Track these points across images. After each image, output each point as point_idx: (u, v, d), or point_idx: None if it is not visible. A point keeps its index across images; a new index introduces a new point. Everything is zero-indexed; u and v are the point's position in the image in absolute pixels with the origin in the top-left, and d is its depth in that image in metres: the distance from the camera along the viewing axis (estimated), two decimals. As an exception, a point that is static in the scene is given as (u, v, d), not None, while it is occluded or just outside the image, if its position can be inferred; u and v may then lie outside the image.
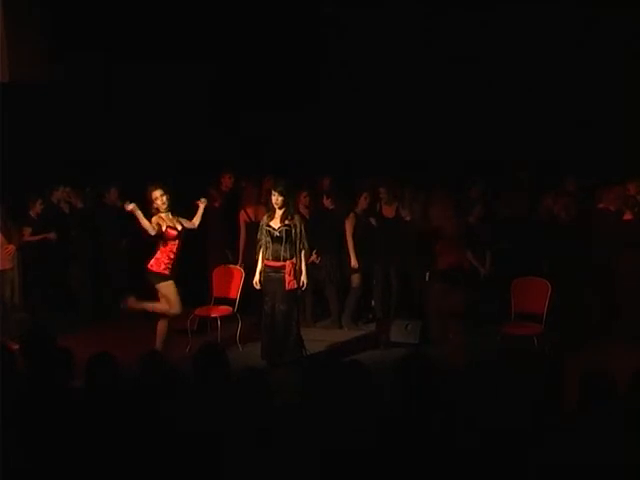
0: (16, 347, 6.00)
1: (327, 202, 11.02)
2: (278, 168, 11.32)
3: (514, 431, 4.36)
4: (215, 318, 10.12)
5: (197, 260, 11.28)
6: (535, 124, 11.84)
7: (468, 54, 12.00)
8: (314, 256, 10.37)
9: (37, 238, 11.00)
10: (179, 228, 9.22)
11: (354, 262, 10.71)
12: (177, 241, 9.16)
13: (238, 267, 10.33)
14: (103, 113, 12.54)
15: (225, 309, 10.21)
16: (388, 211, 10.93)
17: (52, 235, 11.12)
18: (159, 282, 9.10)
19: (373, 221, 10.86)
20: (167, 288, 9.13)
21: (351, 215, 10.79)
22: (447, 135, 12.13)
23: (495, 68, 11.98)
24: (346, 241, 10.76)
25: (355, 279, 10.87)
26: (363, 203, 10.85)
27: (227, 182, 11.69)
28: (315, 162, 12.09)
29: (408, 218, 10.73)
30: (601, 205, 10.37)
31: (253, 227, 10.88)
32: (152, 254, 9.21)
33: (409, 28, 12.28)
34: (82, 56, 12.26)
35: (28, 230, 10.97)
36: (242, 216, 11.13)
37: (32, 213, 11.08)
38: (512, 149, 11.79)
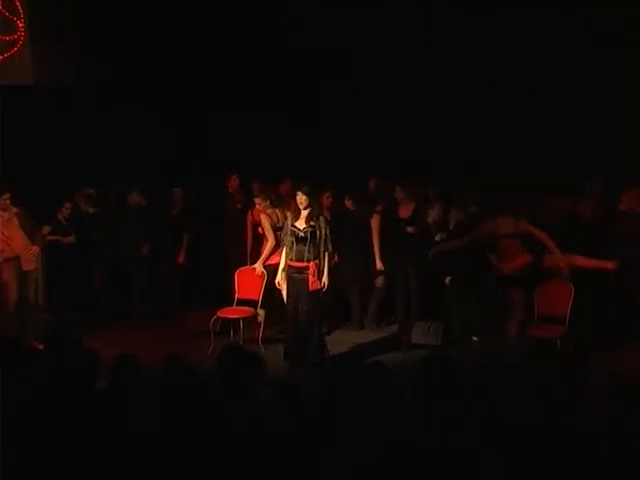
0: (40, 347, 6.06)
1: (349, 203, 11.02)
2: (293, 170, 11.37)
3: (537, 432, 4.35)
4: (237, 319, 10.15)
5: (219, 262, 11.33)
6: (546, 124, 11.79)
7: (474, 54, 11.99)
8: (336, 257, 10.38)
9: (54, 239, 11.07)
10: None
11: (379, 264, 10.70)
12: None
13: (261, 269, 10.34)
14: (124, 115, 12.60)
15: (247, 310, 10.24)
16: (404, 211, 10.91)
17: (69, 239, 11.17)
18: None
19: (410, 229, 10.80)
20: None
21: (375, 215, 10.78)
22: (460, 135, 12.11)
23: (504, 67, 11.95)
24: (369, 242, 10.77)
25: (378, 280, 10.87)
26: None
27: (233, 183, 11.73)
28: (334, 163, 12.12)
29: (430, 219, 10.68)
30: (623, 206, 10.30)
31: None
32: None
33: (410, 28, 12.27)
34: (104, 59, 12.34)
35: (47, 229, 11.05)
36: (249, 217, 11.14)
37: (60, 216, 11.18)
38: (523, 150, 11.75)
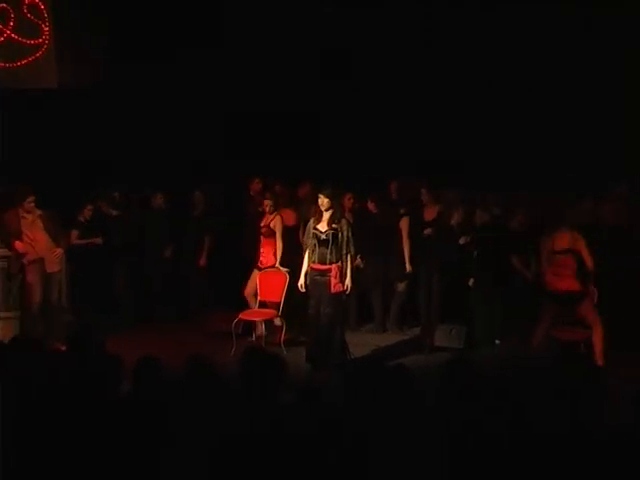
0: (63, 348, 6.09)
1: (371, 206, 11.02)
2: (313, 172, 11.38)
3: (561, 436, 4.33)
4: (259, 322, 10.15)
5: (241, 264, 11.35)
6: (570, 124, 11.74)
7: (489, 53, 11.97)
8: (359, 260, 10.37)
9: (84, 242, 11.15)
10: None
11: (409, 267, 10.67)
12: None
13: (283, 271, 10.34)
14: (147, 118, 12.65)
15: (269, 313, 10.24)
16: (429, 213, 10.88)
17: (98, 240, 11.26)
18: None
19: (428, 231, 10.77)
20: None
21: (404, 218, 10.76)
22: (481, 136, 12.07)
23: (525, 64, 11.90)
24: (391, 244, 10.75)
25: (400, 283, 10.85)
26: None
27: (256, 186, 11.74)
28: (355, 165, 12.11)
29: (453, 222, 10.65)
30: None
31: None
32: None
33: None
34: (128, 61, 12.40)
35: (76, 233, 11.13)
36: None
37: (81, 218, 11.24)
38: (546, 151, 11.70)
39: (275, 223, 10.48)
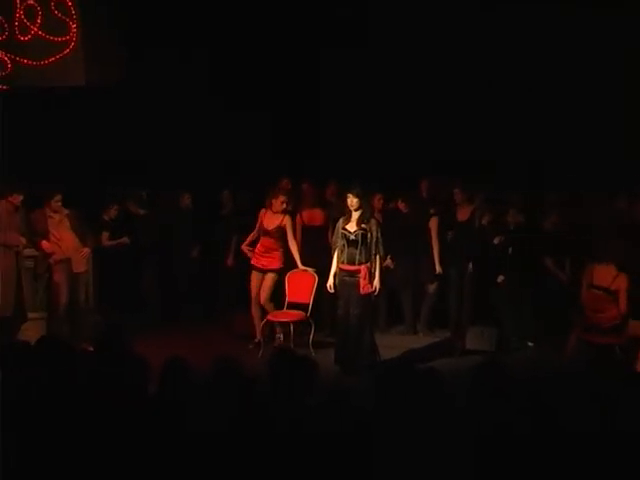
0: (90, 349, 6.12)
1: (401, 205, 11.00)
2: (340, 170, 11.37)
3: (596, 440, 4.31)
4: (288, 323, 10.17)
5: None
6: (599, 125, 11.67)
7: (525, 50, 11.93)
8: (388, 261, 10.36)
9: (113, 243, 11.20)
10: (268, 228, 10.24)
11: (438, 268, 10.65)
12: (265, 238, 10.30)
13: (312, 272, 10.32)
14: (176, 116, 12.70)
15: (298, 314, 10.25)
16: (462, 214, 10.85)
17: (125, 240, 11.31)
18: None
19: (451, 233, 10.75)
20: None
21: (433, 218, 10.73)
22: (513, 136, 12.03)
23: (569, 63, 11.85)
24: (421, 245, 10.73)
25: (431, 284, 10.83)
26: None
27: (285, 186, 11.71)
28: (384, 164, 12.10)
29: (484, 221, 10.61)
30: None
31: (308, 231, 10.92)
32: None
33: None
34: (156, 59, 12.45)
35: (106, 234, 11.19)
36: (298, 220, 11.09)
37: (106, 217, 11.29)
38: (576, 150, 11.63)
39: (286, 223, 10.26)
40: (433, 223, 10.74)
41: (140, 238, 11.58)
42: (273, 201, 10.25)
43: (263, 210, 10.38)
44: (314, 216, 11.03)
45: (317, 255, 10.36)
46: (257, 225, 10.43)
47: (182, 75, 12.67)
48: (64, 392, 4.96)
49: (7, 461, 4.59)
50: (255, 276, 10.41)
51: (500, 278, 10.21)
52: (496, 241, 10.40)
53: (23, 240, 9.72)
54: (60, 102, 11.89)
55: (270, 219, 10.29)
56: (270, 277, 10.31)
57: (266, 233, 10.31)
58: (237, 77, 12.82)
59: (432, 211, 10.87)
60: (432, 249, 10.70)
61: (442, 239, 10.73)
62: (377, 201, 10.92)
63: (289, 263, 10.40)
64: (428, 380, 4.62)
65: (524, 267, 10.21)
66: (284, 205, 10.28)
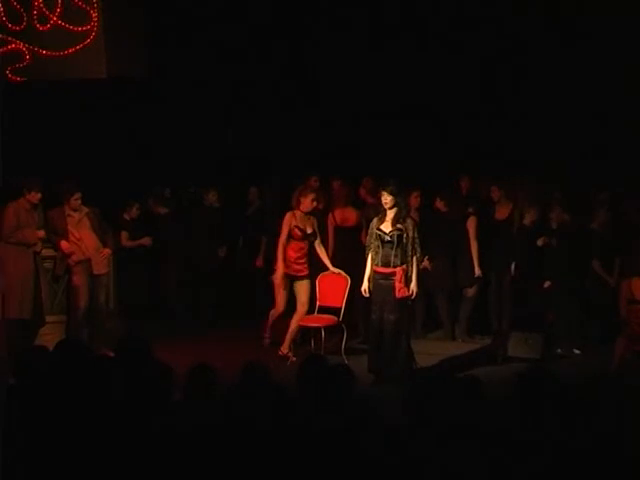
0: (111, 354, 6.15)
1: (440, 204, 10.97)
2: (376, 168, 11.36)
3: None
4: (319, 328, 10.17)
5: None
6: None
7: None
8: (426, 262, 10.33)
9: (134, 244, 11.24)
10: (308, 231, 9.86)
11: (478, 270, 10.61)
12: (301, 242, 9.97)
13: (344, 275, 10.30)
14: (200, 111, 12.75)
15: (330, 319, 10.24)
16: (501, 212, 10.80)
17: (147, 240, 11.35)
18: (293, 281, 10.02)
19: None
20: (299, 287, 10.06)
21: (471, 217, 10.70)
22: (555, 132, 11.99)
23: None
24: (461, 246, 10.70)
25: (470, 288, 10.79)
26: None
27: (314, 184, 11.69)
28: (422, 160, 12.08)
29: (526, 221, 10.54)
30: None
31: (340, 231, 10.90)
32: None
33: None
34: (180, 51, 12.50)
35: (126, 234, 11.23)
36: (329, 219, 11.07)
37: (127, 216, 11.34)
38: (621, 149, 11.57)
39: (314, 223, 10.11)
40: (471, 223, 10.71)
41: (163, 238, 11.62)
42: (302, 200, 10.05)
43: (290, 213, 10.09)
44: (347, 216, 11.01)
45: (350, 257, 10.34)
46: (284, 229, 10.04)
47: (207, 68, 12.69)
48: (83, 400, 4.98)
49: (25, 471, 4.64)
50: (285, 284, 10.22)
51: (547, 284, 10.16)
52: (540, 242, 10.35)
53: (41, 233, 9.73)
54: (80, 96, 11.97)
55: (302, 221, 10.06)
56: (305, 285, 10.21)
57: (300, 237, 10.08)
58: (264, 71, 12.83)
59: (470, 210, 10.82)
60: (471, 250, 10.66)
61: (483, 240, 10.69)
62: (414, 199, 10.88)
63: (319, 265, 10.36)
64: (468, 390, 4.60)
65: (570, 270, 10.15)
66: (314, 203, 10.11)
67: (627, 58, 11.69)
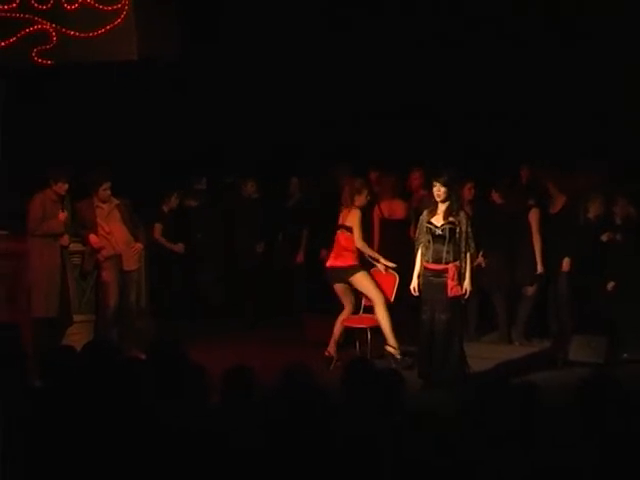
0: (142, 356, 6.20)
1: (496, 196, 10.94)
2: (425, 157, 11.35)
3: None
4: (364, 329, 10.17)
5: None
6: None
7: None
8: (480, 258, 10.30)
9: (166, 244, 11.26)
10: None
11: (540, 268, 10.55)
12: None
13: (392, 272, 10.30)
14: (237, 96, 12.79)
15: (376, 319, 10.23)
16: (555, 205, 10.74)
17: (179, 247, 11.34)
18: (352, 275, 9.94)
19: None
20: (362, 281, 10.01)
21: (533, 210, 10.64)
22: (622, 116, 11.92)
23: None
24: (518, 241, 10.66)
25: (529, 287, 10.73)
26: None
27: (373, 179, 11.69)
28: (477, 149, 12.05)
29: (590, 215, 10.46)
30: None
31: (387, 225, 10.90)
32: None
33: None
34: (213, 32, 12.55)
35: (160, 227, 11.25)
36: (375, 212, 11.07)
37: (165, 208, 11.35)
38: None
39: (352, 218, 10.07)
40: (534, 216, 10.63)
41: (197, 232, 11.67)
42: (357, 197, 10.13)
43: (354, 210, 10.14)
44: (394, 208, 11.02)
45: (398, 252, 10.33)
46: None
47: (244, 53, 12.72)
48: (112, 403, 5.02)
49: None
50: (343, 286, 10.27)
51: (610, 285, 10.10)
52: (604, 238, 10.28)
53: (63, 215, 9.77)
54: (109, 80, 12.06)
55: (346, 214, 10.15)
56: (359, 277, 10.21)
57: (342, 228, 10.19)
58: (307, 56, 12.85)
59: (532, 202, 10.77)
60: (532, 246, 10.60)
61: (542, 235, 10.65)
62: (467, 191, 10.85)
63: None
64: (525, 396, 4.59)
65: (636, 268, 10.08)
66: (368, 199, 10.29)
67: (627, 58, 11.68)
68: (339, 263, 10.13)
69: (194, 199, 11.94)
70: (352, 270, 10.07)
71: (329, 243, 10.65)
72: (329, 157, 12.25)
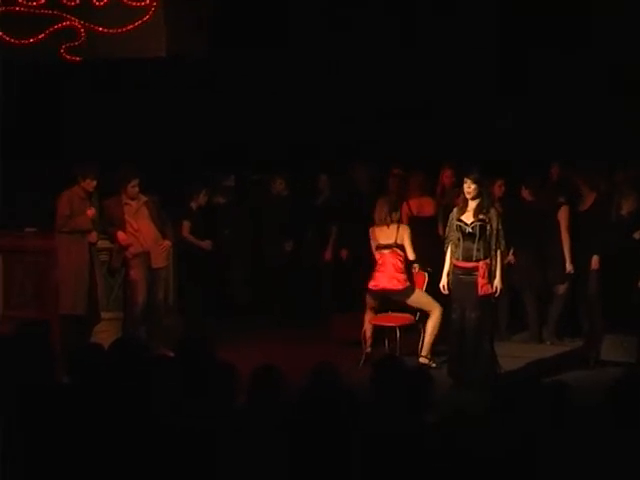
0: (170, 354, 6.22)
1: (526, 193, 10.90)
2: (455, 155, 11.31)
3: None
4: (393, 328, 10.15)
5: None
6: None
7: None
8: (511, 257, 10.26)
9: (194, 242, 11.27)
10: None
11: (569, 266, 10.50)
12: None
13: (421, 269, 10.27)
14: (267, 91, 12.80)
15: (405, 317, 10.22)
16: (585, 203, 10.68)
17: (207, 244, 11.34)
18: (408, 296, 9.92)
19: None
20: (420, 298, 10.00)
21: (563, 207, 10.60)
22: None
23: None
24: (549, 239, 10.61)
25: (560, 285, 10.69)
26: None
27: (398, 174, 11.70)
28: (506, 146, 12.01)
29: (624, 211, 10.40)
30: None
31: (416, 222, 10.87)
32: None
33: None
34: (241, 31, 12.56)
35: (188, 225, 11.26)
36: (404, 209, 11.05)
37: (194, 204, 11.35)
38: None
39: (403, 234, 10.04)
40: (563, 213, 10.59)
41: (225, 230, 11.68)
42: (394, 214, 10.10)
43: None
44: (423, 205, 11.01)
45: (426, 249, 10.29)
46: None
47: (271, 49, 12.72)
48: (140, 401, 5.03)
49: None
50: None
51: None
52: (637, 236, 10.22)
53: (91, 212, 9.80)
54: (136, 76, 12.10)
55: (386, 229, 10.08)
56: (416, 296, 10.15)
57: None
58: (335, 52, 12.83)
59: (562, 199, 10.72)
60: (562, 244, 10.55)
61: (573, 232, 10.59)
62: (497, 188, 10.83)
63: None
64: (557, 396, 4.56)
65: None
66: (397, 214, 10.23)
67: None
68: (393, 286, 10.01)
69: (222, 196, 11.94)
70: (408, 292, 10.01)
71: (356, 242, 10.68)
72: (355, 154, 12.23)
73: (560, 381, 4.85)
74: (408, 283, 10.02)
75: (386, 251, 9.99)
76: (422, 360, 9.84)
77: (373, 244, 10.09)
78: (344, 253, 11.59)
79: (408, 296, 9.99)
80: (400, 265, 10.00)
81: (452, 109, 12.59)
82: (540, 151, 11.87)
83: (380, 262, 10.03)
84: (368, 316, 10.17)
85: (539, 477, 4.31)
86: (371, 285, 10.07)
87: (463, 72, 12.55)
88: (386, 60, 12.77)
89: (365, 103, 12.87)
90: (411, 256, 10.00)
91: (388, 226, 10.00)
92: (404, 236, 9.98)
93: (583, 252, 10.45)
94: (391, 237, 9.99)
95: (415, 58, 12.70)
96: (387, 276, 10.02)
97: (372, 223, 10.18)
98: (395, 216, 10.07)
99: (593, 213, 10.47)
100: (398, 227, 10.03)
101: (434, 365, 9.68)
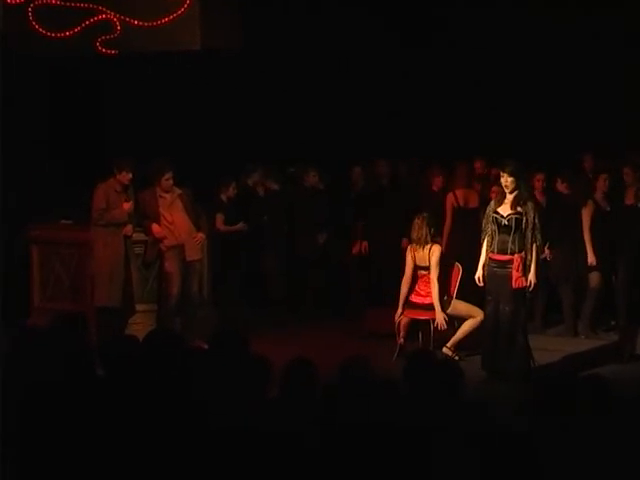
0: (205, 347, 6.23)
1: (561, 186, 10.84)
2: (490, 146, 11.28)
3: None
4: (428, 320, 10.13)
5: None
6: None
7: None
8: (547, 251, 10.21)
9: (230, 229, 11.29)
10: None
11: (591, 258, 10.46)
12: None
13: (457, 264, 10.24)
14: (298, 84, 12.79)
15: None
16: (630, 196, 10.60)
17: (242, 226, 11.37)
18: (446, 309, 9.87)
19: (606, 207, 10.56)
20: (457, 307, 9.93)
21: (589, 203, 10.53)
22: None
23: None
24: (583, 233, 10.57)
25: (594, 278, 10.63)
26: (602, 186, 10.59)
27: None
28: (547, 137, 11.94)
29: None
30: None
31: (461, 213, 10.87)
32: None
33: None
34: (276, 19, 12.56)
35: (221, 217, 11.29)
36: (449, 199, 11.06)
37: (224, 197, 11.38)
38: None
39: (432, 255, 9.91)
40: (588, 209, 10.51)
41: (260, 222, 11.68)
42: (430, 236, 9.96)
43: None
44: (469, 197, 11.03)
45: (471, 241, 10.25)
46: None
47: (305, 43, 12.71)
48: (174, 394, 5.05)
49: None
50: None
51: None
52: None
53: (127, 205, 9.86)
54: (171, 69, 12.13)
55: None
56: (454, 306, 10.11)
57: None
58: (370, 47, 12.83)
59: (590, 196, 10.66)
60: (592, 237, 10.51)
61: (610, 225, 10.51)
62: (537, 182, 10.81)
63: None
64: (592, 389, 4.55)
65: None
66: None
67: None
68: (430, 301, 10.02)
69: (275, 182, 11.96)
70: (445, 305, 9.98)
71: (382, 234, 10.94)
72: (390, 147, 12.24)
73: (596, 375, 4.84)
74: (445, 297, 10.01)
75: (423, 272, 10.00)
76: (445, 350, 9.82)
77: (410, 261, 10.04)
78: (365, 246, 11.63)
79: (446, 309, 9.97)
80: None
81: (486, 102, 12.57)
82: (573, 142, 11.79)
83: (419, 281, 10.07)
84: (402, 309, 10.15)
85: (577, 469, 4.29)
86: (412, 298, 10.09)
87: (495, 65, 12.50)
88: (414, 55, 12.77)
89: (400, 98, 12.87)
90: (434, 276, 9.87)
91: (423, 248, 9.95)
92: (432, 257, 9.89)
93: (619, 246, 10.38)
94: (425, 259, 9.95)
95: (442, 51, 12.68)
96: (424, 293, 10.05)
97: (409, 240, 10.17)
98: (431, 236, 9.97)
99: (633, 207, 10.37)
100: (431, 247, 9.94)
101: (457, 358, 9.63)
